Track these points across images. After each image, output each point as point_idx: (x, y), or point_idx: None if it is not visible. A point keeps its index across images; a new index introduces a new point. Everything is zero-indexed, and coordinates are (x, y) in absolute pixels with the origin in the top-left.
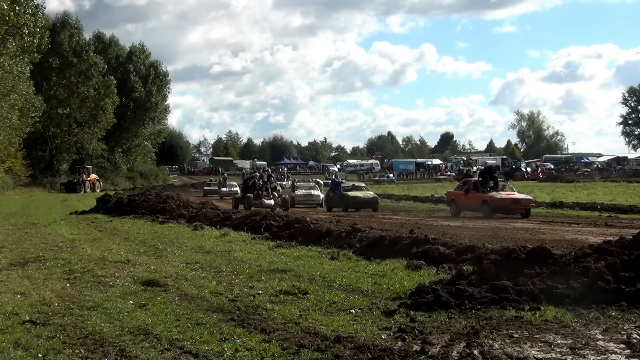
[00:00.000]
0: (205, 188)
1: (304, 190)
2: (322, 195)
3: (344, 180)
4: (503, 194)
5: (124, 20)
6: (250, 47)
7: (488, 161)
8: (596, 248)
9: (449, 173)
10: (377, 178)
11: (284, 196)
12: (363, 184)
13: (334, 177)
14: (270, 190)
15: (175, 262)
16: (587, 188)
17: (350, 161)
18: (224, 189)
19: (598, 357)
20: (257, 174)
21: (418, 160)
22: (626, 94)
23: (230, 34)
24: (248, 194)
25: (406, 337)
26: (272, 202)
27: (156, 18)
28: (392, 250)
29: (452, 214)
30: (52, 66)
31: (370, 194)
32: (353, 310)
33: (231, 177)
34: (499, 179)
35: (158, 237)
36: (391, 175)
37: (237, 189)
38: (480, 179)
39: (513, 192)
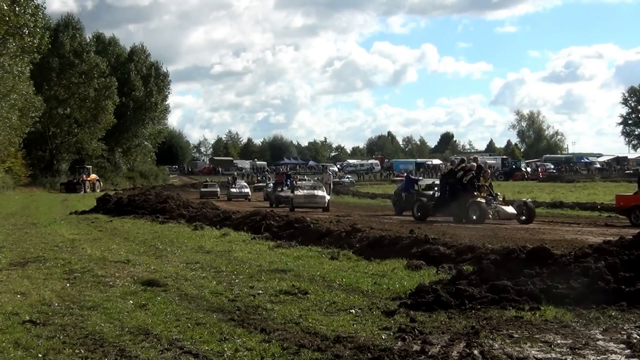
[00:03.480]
0: (203, 190)
1: (305, 191)
2: (327, 197)
3: (421, 178)
4: None
5: (126, 20)
6: (252, 48)
7: (488, 161)
8: (596, 248)
9: (405, 174)
10: (336, 180)
11: (528, 201)
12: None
13: (406, 173)
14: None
15: (175, 262)
16: (587, 188)
17: (350, 161)
18: (233, 190)
19: (598, 357)
20: (473, 163)
21: (418, 160)
22: (626, 94)
23: (232, 34)
24: (479, 200)
25: (406, 337)
26: (513, 210)
27: (158, 18)
28: (392, 250)
29: (633, 222)
30: (53, 66)
31: None
32: (353, 310)
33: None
34: None
35: (158, 237)
36: (349, 176)
37: (248, 189)
38: None
39: None
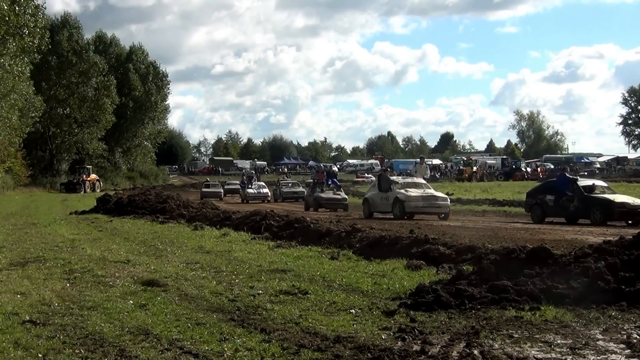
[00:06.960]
0: (204, 190)
1: (418, 190)
2: (449, 200)
3: (577, 178)
4: None
5: (128, 20)
6: (253, 48)
7: (488, 161)
8: (596, 248)
9: (366, 175)
10: None
11: None
12: (602, 182)
13: (560, 170)
14: None
15: (175, 262)
16: None
17: (350, 161)
18: (250, 190)
19: (598, 357)
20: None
21: (418, 160)
22: (626, 94)
23: (233, 34)
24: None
25: (406, 337)
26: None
27: (160, 19)
28: (392, 250)
29: None
30: (52, 65)
31: (636, 199)
32: (353, 310)
33: (232, 177)
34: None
35: (158, 237)
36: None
37: (267, 190)
38: None
39: None
